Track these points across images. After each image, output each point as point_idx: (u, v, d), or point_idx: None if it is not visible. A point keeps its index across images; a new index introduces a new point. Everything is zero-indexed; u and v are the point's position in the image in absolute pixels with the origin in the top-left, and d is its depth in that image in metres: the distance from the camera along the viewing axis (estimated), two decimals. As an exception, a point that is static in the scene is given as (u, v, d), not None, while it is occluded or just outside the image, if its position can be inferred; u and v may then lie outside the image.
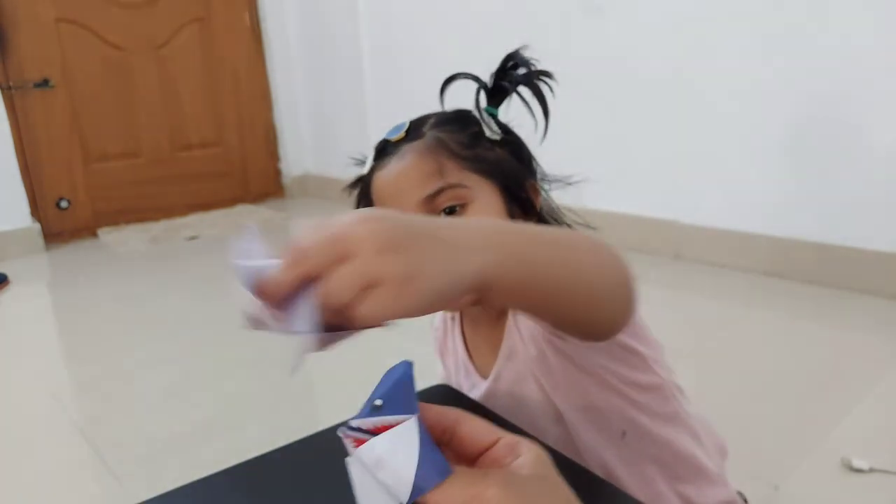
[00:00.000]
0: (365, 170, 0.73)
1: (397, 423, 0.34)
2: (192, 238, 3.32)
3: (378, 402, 0.35)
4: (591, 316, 0.50)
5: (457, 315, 0.78)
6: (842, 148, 1.95)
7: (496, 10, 2.75)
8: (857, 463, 1.15)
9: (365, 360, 1.95)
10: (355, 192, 0.78)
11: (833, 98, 1.94)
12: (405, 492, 0.33)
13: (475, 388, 0.73)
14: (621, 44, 2.39)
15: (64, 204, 3.44)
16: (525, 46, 0.71)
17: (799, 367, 1.59)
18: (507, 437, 0.37)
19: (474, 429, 0.38)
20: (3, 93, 3.16)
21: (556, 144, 0.79)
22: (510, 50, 0.71)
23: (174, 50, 3.69)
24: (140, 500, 0.54)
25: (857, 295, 1.94)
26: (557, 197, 0.77)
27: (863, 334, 1.75)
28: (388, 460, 0.33)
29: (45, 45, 3.30)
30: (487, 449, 0.37)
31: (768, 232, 2.14)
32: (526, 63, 0.70)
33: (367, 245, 0.33)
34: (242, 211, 3.83)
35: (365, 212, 0.35)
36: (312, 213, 3.80)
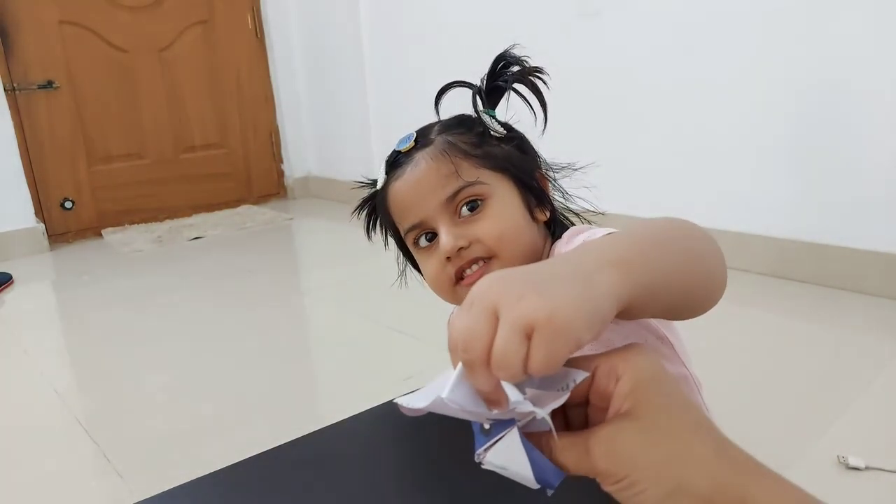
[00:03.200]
0: (378, 185, 0.74)
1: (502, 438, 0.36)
2: (196, 238, 3.34)
3: (486, 425, 0.36)
4: (707, 297, 0.49)
5: None
6: (841, 148, 1.95)
7: (496, 14, 2.76)
8: (853, 461, 1.16)
9: (365, 359, 1.97)
10: (364, 213, 0.80)
11: (832, 98, 1.95)
12: (536, 485, 0.36)
13: None
14: (618, 47, 2.39)
15: (68, 204, 3.46)
16: (514, 45, 0.72)
17: (796, 366, 1.60)
18: (603, 364, 0.36)
19: (562, 376, 0.37)
20: (7, 94, 3.17)
21: (553, 147, 0.80)
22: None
23: (178, 52, 3.70)
24: (143, 497, 0.55)
25: (853, 294, 1.95)
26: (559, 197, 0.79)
27: (859, 333, 1.76)
28: (508, 466, 0.36)
29: (49, 47, 3.32)
30: (588, 386, 0.37)
31: (766, 232, 2.14)
32: (518, 61, 0.71)
33: (505, 295, 0.34)
34: (246, 212, 3.84)
35: (486, 278, 0.36)
36: (315, 213, 3.81)
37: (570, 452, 0.35)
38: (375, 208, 0.79)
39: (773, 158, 2.10)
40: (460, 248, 0.66)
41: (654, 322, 0.68)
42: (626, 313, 0.39)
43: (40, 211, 3.36)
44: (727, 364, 1.61)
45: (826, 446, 1.23)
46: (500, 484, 0.52)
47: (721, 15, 2.12)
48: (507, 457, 0.35)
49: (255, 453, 0.59)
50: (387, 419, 0.65)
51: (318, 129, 4.06)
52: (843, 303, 1.92)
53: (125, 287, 2.68)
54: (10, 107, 3.19)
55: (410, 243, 0.72)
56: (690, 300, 0.47)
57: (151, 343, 2.07)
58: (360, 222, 0.81)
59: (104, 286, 2.71)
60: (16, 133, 3.21)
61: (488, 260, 0.67)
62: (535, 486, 0.36)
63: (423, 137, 0.72)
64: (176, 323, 2.23)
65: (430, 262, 0.70)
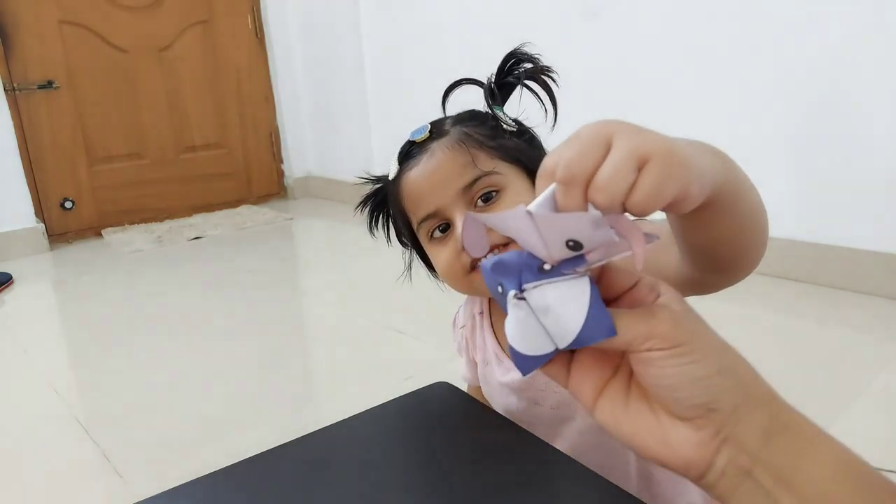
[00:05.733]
0: (391, 176, 0.74)
1: (567, 278, 0.34)
2: (196, 238, 3.34)
3: (547, 265, 0.34)
4: (762, 241, 0.50)
5: (485, 310, 0.80)
6: (841, 148, 1.95)
7: (495, 13, 2.76)
8: (853, 462, 1.16)
9: (365, 359, 1.97)
10: (367, 209, 0.80)
11: (832, 98, 1.95)
12: (567, 339, 0.34)
13: (510, 373, 0.75)
14: (619, 47, 2.39)
15: (68, 204, 3.46)
16: (525, 43, 0.73)
17: (795, 366, 1.60)
18: (647, 278, 0.37)
19: (616, 272, 0.38)
20: (7, 94, 3.18)
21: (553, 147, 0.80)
22: (510, 51, 0.73)
23: (178, 52, 3.70)
24: (143, 498, 0.55)
25: (853, 294, 1.95)
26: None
27: (859, 333, 1.76)
28: (555, 308, 0.34)
29: (49, 47, 3.32)
30: (629, 290, 0.37)
31: (768, 233, 2.14)
32: (530, 58, 0.72)
33: (624, 128, 0.32)
34: (246, 212, 3.84)
35: (599, 120, 0.34)
36: (315, 213, 3.81)
37: (632, 314, 0.35)
38: (381, 203, 0.79)
39: (772, 158, 2.10)
40: None
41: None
42: (710, 208, 0.39)
43: (40, 211, 3.36)
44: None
45: (826, 446, 1.23)
46: (500, 484, 0.53)
47: (721, 15, 2.12)
48: (560, 300, 0.34)
49: (255, 453, 0.59)
50: (387, 419, 0.65)
51: (318, 129, 4.07)
52: (843, 303, 1.92)
53: (125, 287, 2.69)
54: (10, 107, 3.19)
55: (424, 235, 0.72)
56: (755, 234, 0.48)
57: (151, 343, 2.07)
58: (361, 220, 0.81)
59: (104, 286, 2.71)
60: (16, 133, 3.21)
61: (504, 247, 0.67)
62: (566, 340, 0.34)
63: (437, 128, 0.72)
64: (176, 323, 2.23)
65: (443, 252, 0.69)
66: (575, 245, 0.33)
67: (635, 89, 2.38)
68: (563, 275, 0.34)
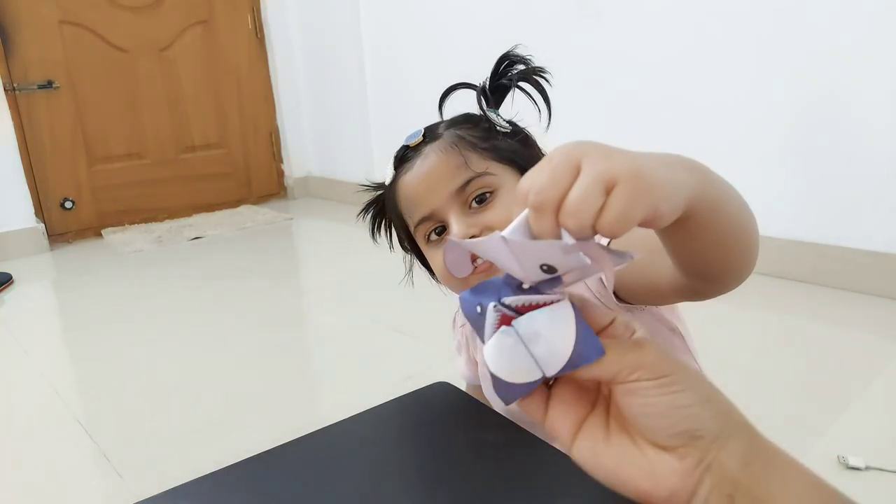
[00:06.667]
0: (387, 180, 0.75)
1: (548, 303, 0.35)
2: (196, 238, 3.34)
3: (525, 284, 0.35)
4: (750, 252, 0.50)
5: None
6: (840, 148, 1.95)
7: (496, 13, 2.76)
8: (853, 461, 1.16)
9: (365, 359, 1.97)
10: (370, 215, 0.81)
11: (831, 98, 1.95)
12: (557, 365, 0.35)
13: None
14: (619, 47, 2.39)
15: (68, 204, 3.46)
16: (517, 46, 0.73)
17: (795, 366, 1.60)
18: (621, 316, 0.38)
19: (592, 309, 0.38)
20: (7, 94, 3.18)
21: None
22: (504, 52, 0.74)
23: (178, 52, 3.70)
24: (143, 497, 0.55)
25: (853, 294, 1.95)
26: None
27: (859, 333, 1.76)
28: (545, 334, 0.34)
29: (49, 47, 3.32)
30: (606, 327, 0.38)
31: (766, 232, 2.13)
32: (523, 60, 0.73)
33: (593, 151, 0.33)
34: (246, 211, 3.84)
35: (567, 143, 0.35)
36: (315, 213, 3.81)
37: (620, 346, 0.36)
38: (381, 210, 0.80)
39: (772, 158, 2.10)
40: (472, 237, 0.67)
41: (667, 314, 0.69)
42: (689, 222, 0.39)
43: (40, 211, 3.36)
44: (727, 364, 1.60)
45: (826, 446, 1.23)
46: (500, 484, 0.53)
47: (720, 15, 2.12)
48: (548, 325, 0.34)
49: (255, 453, 0.59)
50: (387, 419, 0.65)
51: (318, 129, 4.07)
52: (843, 303, 1.92)
53: (125, 287, 2.69)
54: (10, 107, 3.19)
55: (420, 238, 0.72)
56: (740, 243, 0.48)
57: (151, 343, 2.07)
58: (362, 224, 0.81)
59: (104, 286, 2.71)
60: (16, 133, 3.21)
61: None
62: (556, 365, 0.35)
63: (431, 132, 0.73)
64: (176, 323, 2.23)
65: (440, 254, 0.70)
66: (549, 269, 0.34)
67: (635, 89, 2.38)
68: (542, 293, 0.35)
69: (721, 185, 0.45)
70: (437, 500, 0.52)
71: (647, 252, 0.55)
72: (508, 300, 0.35)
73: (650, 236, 0.54)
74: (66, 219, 3.47)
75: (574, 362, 0.35)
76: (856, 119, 1.91)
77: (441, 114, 0.77)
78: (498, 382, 0.36)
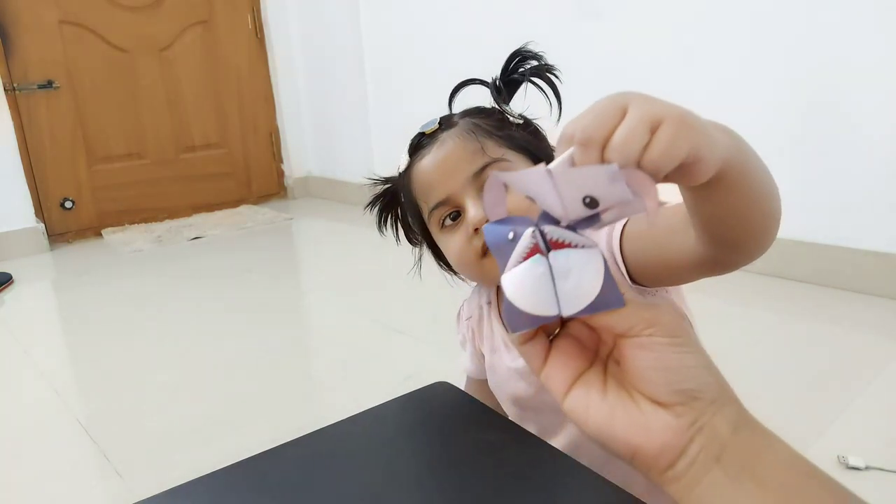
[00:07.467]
0: (401, 168, 0.76)
1: (583, 245, 0.35)
2: (196, 238, 3.34)
3: (563, 223, 0.36)
4: (774, 220, 0.52)
5: (493, 300, 0.81)
6: (840, 148, 1.95)
7: (496, 14, 2.76)
8: (853, 461, 1.16)
9: (365, 359, 1.97)
10: (377, 208, 0.81)
11: (831, 98, 1.95)
12: (579, 305, 0.35)
13: (519, 358, 0.76)
14: (619, 47, 2.39)
15: (68, 204, 3.46)
16: (529, 42, 0.75)
17: (795, 366, 1.60)
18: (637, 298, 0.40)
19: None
20: (7, 94, 3.18)
21: (553, 147, 0.81)
22: (511, 50, 0.75)
23: (178, 52, 3.70)
24: (143, 497, 0.55)
25: (853, 294, 1.95)
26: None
27: (859, 333, 1.76)
28: (576, 274, 0.35)
29: (49, 47, 3.32)
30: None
31: (768, 232, 2.14)
32: (535, 56, 0.74)
33: (638, 97, 0.35)
34: (246, 211, 3.84)
35: (615, 92, 0.36)
36: (315, 213, 3.81)
37: (638, 302, 0.37)
38: (389, 203, 0.81)
39: (772, 158, 2.08)
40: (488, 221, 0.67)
41: (676, 300, 0.70)
42: (721, 182, 0.40)
43: (40, 211, 3.36)
44: (727, 364, 1.60)
45: (826, 446, 1.23)
46: (500, 484, 0.53)
47: (720, 15, 2.12)
48: (581, 265, 0.35)
49: (255, 453, 0.59)
50: (387, 419, 0.65)
51: (318, 129, 4.07)
52: (842, 303, 1.92)
53: (125, 287, 2.69)
54: (10, 107, 3.19)
55: (435, 224, 0.73)
56: (765, 210, 0.50)
57: (151, 343, 2.07)
58: (362, 220, 0.82)
59: (104, 286, 2.71)
60: (16, 133, 3.21)
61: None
62: (578, 306, 0.35)
63: (446, 121, 0.74)
64: (176, 323, 2.23)
65: (454, 239, 0.71)
66: (591, 202, 0.34)
67: (635, 89, 2.37)
68: (578, 233, 0.36)
69: (752, 152, 0.46)
70: (437, 500, 0.52)
71: (667, 232, 0.57)
72: (548, 229, 0.35)
73: (670, 215, 0.55)
74: (66, 219, 3.47)
75: (595, 306, 0.35)
76: (856, 120, 1.91)
77: (451, 109, 0.78)
78: (511, 308, 0.36)
